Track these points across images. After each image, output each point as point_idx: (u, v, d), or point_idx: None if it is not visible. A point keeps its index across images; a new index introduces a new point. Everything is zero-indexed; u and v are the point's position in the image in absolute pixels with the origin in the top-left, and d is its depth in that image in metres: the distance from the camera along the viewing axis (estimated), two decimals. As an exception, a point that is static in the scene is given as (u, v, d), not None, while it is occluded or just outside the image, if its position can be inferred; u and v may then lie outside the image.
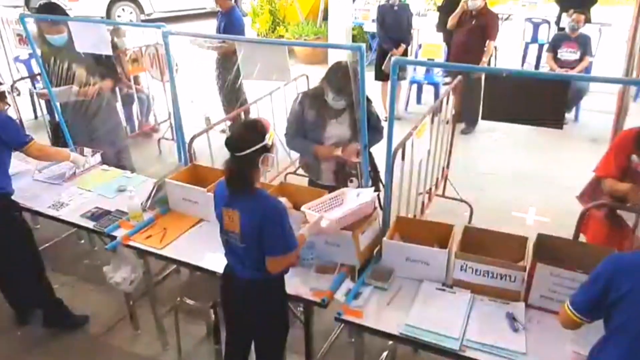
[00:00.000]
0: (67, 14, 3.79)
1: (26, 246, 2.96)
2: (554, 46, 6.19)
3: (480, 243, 2.38)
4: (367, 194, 2.50)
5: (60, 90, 3.59)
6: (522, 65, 8.04)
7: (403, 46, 6.01)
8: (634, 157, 2.49)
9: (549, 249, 2.25)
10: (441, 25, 6.62)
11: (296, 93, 4.19)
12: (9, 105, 2.98)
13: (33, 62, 5.98)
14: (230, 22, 5.25)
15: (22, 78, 5.14)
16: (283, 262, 2.08)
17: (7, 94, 2.94)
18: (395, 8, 5.96)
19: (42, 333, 3.13)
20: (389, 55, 5.86)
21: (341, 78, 2.62)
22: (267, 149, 2.00)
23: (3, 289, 3.11)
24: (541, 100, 2.16)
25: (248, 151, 1.95)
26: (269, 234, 2.00)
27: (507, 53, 7.90)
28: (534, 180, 4.75)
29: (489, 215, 3.86)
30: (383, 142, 2.54)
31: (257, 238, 2.01)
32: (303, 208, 2.41)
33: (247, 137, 1.98)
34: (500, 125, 4.85)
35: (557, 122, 2.23)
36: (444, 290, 2.31)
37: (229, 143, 1.98)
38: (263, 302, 2.18)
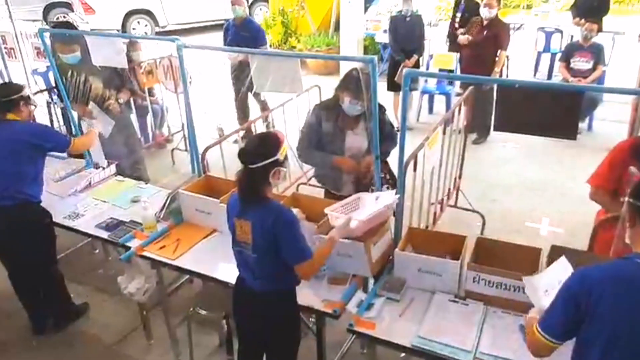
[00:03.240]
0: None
1: (52, 253, 3.07)
2: (567, 55, 6.16)
3: (493, 254, 2.36)
4: (389, 197, 2.49)
5: (104, 126, 3.57)
6: (535, 74, 8.01)
7: (415, 57, 6.03)
8: (633, 169, 2.44)
9: (563, 261, 2.23)
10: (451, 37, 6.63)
11: (308, 104, 4.23)
12: (35, 106, 3.04)
13: (50, 74, 6.11)
14: (252, 33, 5.43)
15: (40, 91, 5.24)
16: (307, 267, 2.07)
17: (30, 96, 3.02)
18: (408, 19, 5.99)
19: (57, 342, 3.16)
20: (401, 66, 5.87)
21: (357, 83, 2.65)
22: (279, 163, 2.02)
23: (23, 295, 3.16)
24: (554, 111, 2.15)
25: (260, 164, 1.97)
26: (286, 243, 2.02)
27: (519, 62, 7.87)
28: (547, 191, 4.71)
29: (501, 226, 3.84)
30: (395, 152, 2.55)
31: (268, 249, 2.03)
32: (327, 210, 2.41)
33: (259, 150, 2.00)
34: (512, 136, 4.82)
35: (570, 132, 2.22)
36: (456, 301, 2.30)
37: (241, 155, 2.01)
38: (275, 314, 2.19)
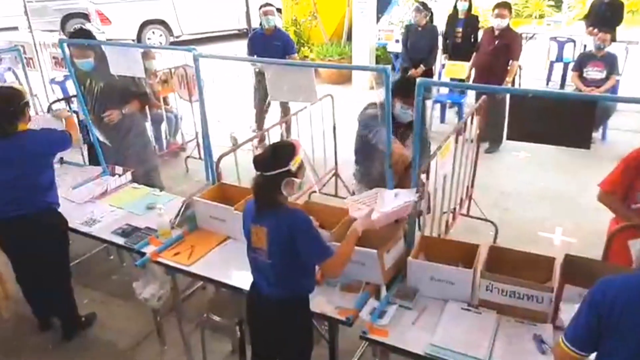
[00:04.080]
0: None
1: (66, 257, 3.12)
2: (580, 65, 6.15)
3: (506, 263, 2.36)
4: (409, 194, 2.51)
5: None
6: (547, 84, 8.00)
7: (422, 67, 6.07)
8: None
9: (577, 270, 2.22)
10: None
11: (321, 113, 4.27)
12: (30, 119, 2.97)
13: (68, 83, 6.23)
14: (283, 42, 5.64)
15: (58, 100, 5.34)
16: (332, 264, 2.09)
17: (30, 104, 2.98)
18: (420, 29, 6.03)
19: (73, 347, 3.20)
20: (407, 74, 5.92)
21: (410, 88, 2.67)
22: (291, 174, 2.03)
23: (31, 298, 3.22)
24: (568, 120, 2.15)
25: (272, 173, 2.00)
26: (306, 245, 2.04)
27: (532, 72, 7.86)
28: (560, 200, 4.68)
29: (514, 235, 3.83)
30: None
31: (284, 255, 2.05)
32: (347, 200, 2.46)
33: (272, 159, 2.02)
34: (525, 145, 4.81)
35: (584, 141, 2.22)
36: (469, 310, 2.30)
37: (256, 162, 2.04)
38: (288, 320, 2.20)
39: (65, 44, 3.59)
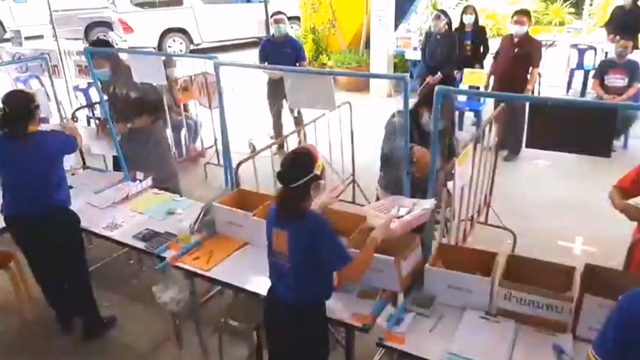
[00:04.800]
0: (120, 61, 3.94)
1: (82, 255, 3.20)
2: (601, 72, 6.08)
3: (525, 272, 2.35)
4: (427, 202, 2.52)
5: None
6: (567, 91, 7.92)
7: (439, 75, 6.07)
8: None
9: (598, 280, 2.20)
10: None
11: (339, 120, 4.29)
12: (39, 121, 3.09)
13: (91, 91, 6.37)
14: (294, 49, 5.76)
15: (82, 107, 5.47)
16: (352, 270, 2.12)
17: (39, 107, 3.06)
18: (438, 36, 6.04)
19: (93, 349, 3.26)
20: (424, 82, 5.93)
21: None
22: (317, 178, 2.09)
23: (52, 296, 3.29)
24: (588, 128, 2.13)
25: (300, 182, 2.04)
26: (326, 249, 2.07)
27: (552, 79, 7.79)
28: (580, 209, 4.62)
29: (533, 244, 3.78)
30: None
31: (304, 259, 2.08)
32: (366, 209, 2.46)
33: (297, 169, 2.07)
34: (544, 153, 4.76)
35: (604, 150, 2.20)
36: (487, 319, 2.29)
37: (281, 176, 2.08)
38: (305, 326, 2.22)
39: (89, 53, 3.68)
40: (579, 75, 7.79)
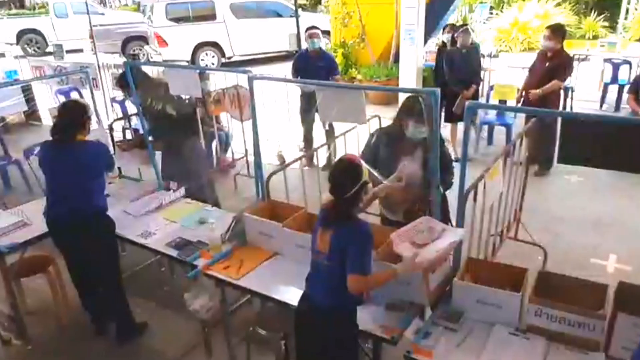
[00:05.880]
0: (149, 79, 4.14)
1: (116, 260, 3.32)
2: (636, 87, 5.94)
3: (556, 289, 2.32)
4: (456, 233, 2.48)
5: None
6: (601, 106, 7.78)
7: (474, 87, 6.04)
8: None
9: (632, 298, 2.16)
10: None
11: (368, 133, 4.32)
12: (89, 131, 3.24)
13: (127, 103, 6.58)
14: (328, 63, 5.91)
15: (119, 118, 5.65)
16: (360, 282, 2.15)
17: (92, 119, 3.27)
18: (464, 51, 6.03)
19: (124, 353, 3.35)
20: (459, 97, 5.90)
21: (420, 107, 2.74)
22: (366, 182, 2.21)
23: (87, 299, 3.40)
24: (622, 144, 2.11)
25: (353, 191, 2.15)
26: (353, 252, 2.13)
27: (585, 94, 7.66)
28: (614, 227, 4.52)
29: (564, 261, 3.72)
30: (456, 183, 2.58)
31: (342, 260, 2.14)
32: (393, 236, 2.45)
33: (349, 180, 2.18)
34: (577, 168, 4.70)
35: (639, 166, 2.18)
36: (517, 335, 2.27)
37: (334, 189, 2.20)
38: (335, 329, 2.25)
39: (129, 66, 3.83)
40: (613, 89, 7.65)
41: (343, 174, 2.21)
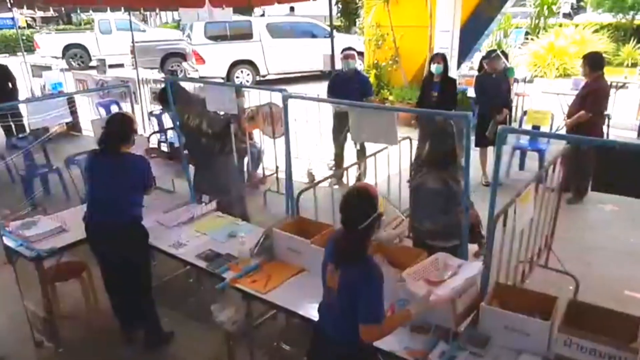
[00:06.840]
0: (187, 95, 4.26)
1: (148, 268, 3.42)
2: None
3: (586, 319, 2.28)
4: (473, 268, 2.46)
5: None
6: (639, 135, 7.59)
7: (506, 111, 6.01)
8: None
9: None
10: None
11: (399, 155, 4.35)
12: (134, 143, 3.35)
13: (164, 117, 6.78)
14: (362, 84, 5.99)
15: (156, 131, 5.83)
16: (373, 332, 2.07)
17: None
18: (494, 76, 6.02)
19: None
20: (492, 121, 5.87)
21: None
22: (381, 215, 2.11)
23: (118, 305, 3.48)
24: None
25: (366, 223, 2.06)
26: (364, 299, 2.04)
27: (622, 121, 7.50)
28: (651, 259, 4.38)
29: (596, 292, 3.61)
30: (485, 207, 2.57)
31: (352, 301, 2.06)
32: (405, 275, 2.41)
33: (363, 211, 2.07)
34: (612, 197, 4.58)
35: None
36: (545, 364, 2.23)
37: (346, 220, 2.10)
38: None
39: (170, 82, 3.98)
40: (652, 118, 7.48)
41: (357, 204, 2.09)
